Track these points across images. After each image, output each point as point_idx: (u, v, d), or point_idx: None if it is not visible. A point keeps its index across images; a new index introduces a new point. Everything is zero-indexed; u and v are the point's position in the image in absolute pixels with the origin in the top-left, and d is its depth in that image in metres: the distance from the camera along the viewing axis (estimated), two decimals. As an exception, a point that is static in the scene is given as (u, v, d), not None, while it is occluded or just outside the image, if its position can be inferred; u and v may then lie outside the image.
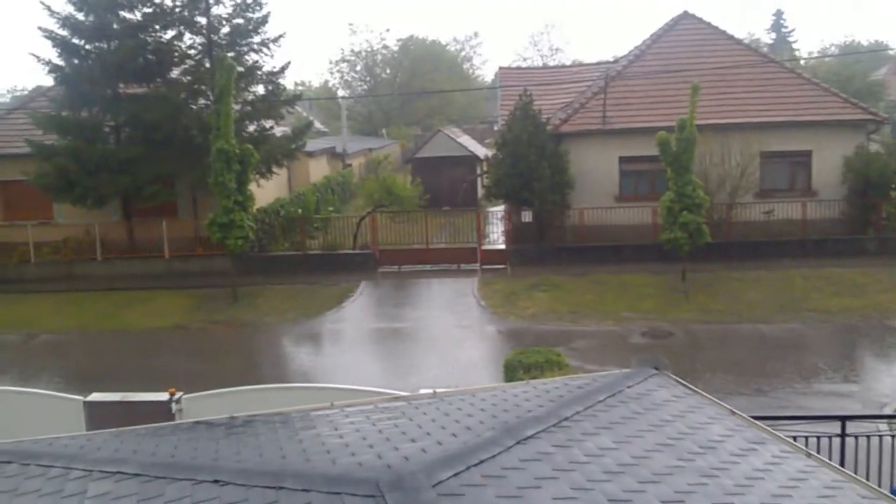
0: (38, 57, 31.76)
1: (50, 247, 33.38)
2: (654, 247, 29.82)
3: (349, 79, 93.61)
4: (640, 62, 36.55)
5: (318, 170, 50.94)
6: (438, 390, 7.95)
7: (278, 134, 35.43)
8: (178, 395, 12.65)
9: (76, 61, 32.31)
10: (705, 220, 27.83)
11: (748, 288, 27.39)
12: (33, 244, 33.10)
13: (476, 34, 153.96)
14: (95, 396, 13.10)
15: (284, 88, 36.09)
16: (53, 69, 31.92)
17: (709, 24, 38.36)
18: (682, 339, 23.24)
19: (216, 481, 5.05)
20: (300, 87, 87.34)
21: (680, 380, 7.87)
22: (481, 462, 4.99)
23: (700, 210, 27.31)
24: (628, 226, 31.97)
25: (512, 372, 16.10)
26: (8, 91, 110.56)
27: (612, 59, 48.14)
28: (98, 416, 12.52)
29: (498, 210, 40.53)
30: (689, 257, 27.90)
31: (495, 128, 52.62)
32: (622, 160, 33.35)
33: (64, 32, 32.11)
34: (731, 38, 37.77)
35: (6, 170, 34.11)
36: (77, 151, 30.71)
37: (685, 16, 38.86)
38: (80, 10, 32.00)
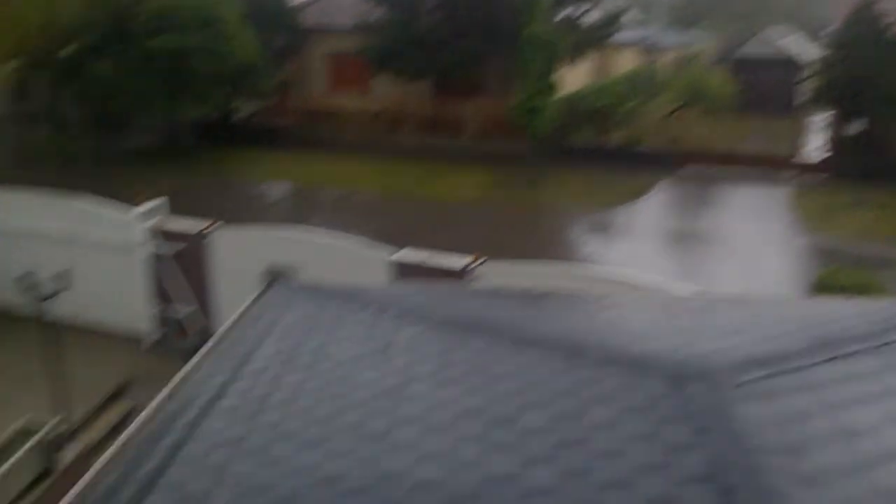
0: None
1: (366, 116, 36.18)
2: None
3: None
4: None
5: (626, 61, 49.43)
6: (742, 293, 7.53)
7: (589, 21, 34.66)
8: (479, 261, 13.14)
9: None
10: None
11: None
12: (352, 113, 36.14)
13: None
14: (401, 254, 13.99)
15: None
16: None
17: None
18: None
19: (514, 343, 5.18)
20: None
21: None
22: (792, 371, 4.63)
23: None
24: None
25: (822, 293, 14.94)
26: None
27: None
28: (401, 273, 13.45)
29: (819, 119, 37.09)
30: None
31: (823, 32, 47.58)
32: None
33: None
34: None
35: (335, 43, 37.18)
36: (401, 26, 32.33)
37: None
38: None
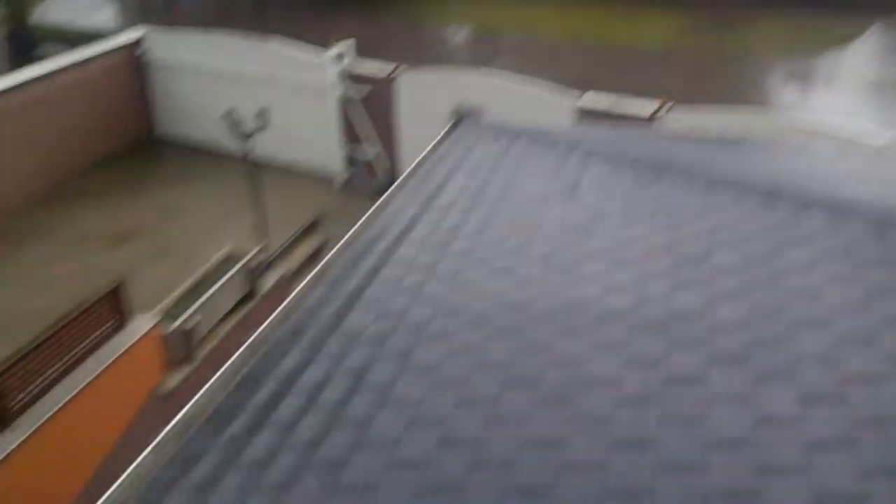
0: None
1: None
2: None
3: None
4: None
5: None
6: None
7: None
8: (667, 106, 12.71)
9: None
10: None
11: None
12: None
13: None
14: (586, 99, 13.73)
15: None
16: None
17: None
18: None
19: (706, 184, 5.07)
20: None
21: None
22: None
23: None
24: None
25: None
26: None
27: None
28: (587, 118, 13.24)
29: None
30: None
31: None
32: None
33: None
34: None
35: None
36: None
37: None
38: None
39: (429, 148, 7.50)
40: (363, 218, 6.45)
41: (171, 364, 10.21)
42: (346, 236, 6.19)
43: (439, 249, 5.20)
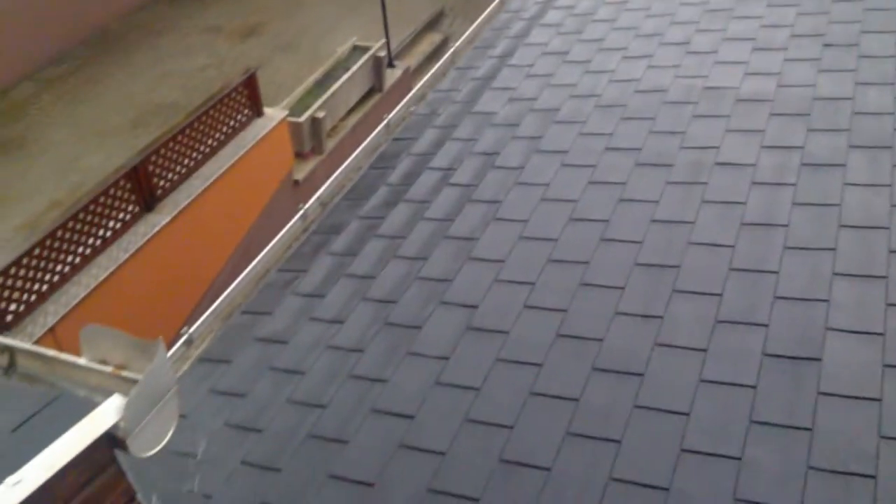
0: None
1: None
2: None
3: None
4: None
5: None
6: None
7: None
8: None
9: None
10: None
11: None
12: None
13: None
14: None
15: None
16: None
17: None
18: None
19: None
20: None
21: None
22: None
23: None
24: None
25: None
26: None
27: None
28: None
29: None
30: None
31: None
32: None
33: None
34: None
35: None
36: None
37: None
38: None
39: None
40: (491, 6, 6.33)
41: (301, 155, 10.60)
42: (475, 24, 6.13)
43: (571, 36, 5.11)
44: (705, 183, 3.56)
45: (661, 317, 2.97)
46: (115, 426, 1.60)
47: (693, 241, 3.28)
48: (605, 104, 4.25)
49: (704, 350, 2.80)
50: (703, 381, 2.70)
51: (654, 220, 3.43)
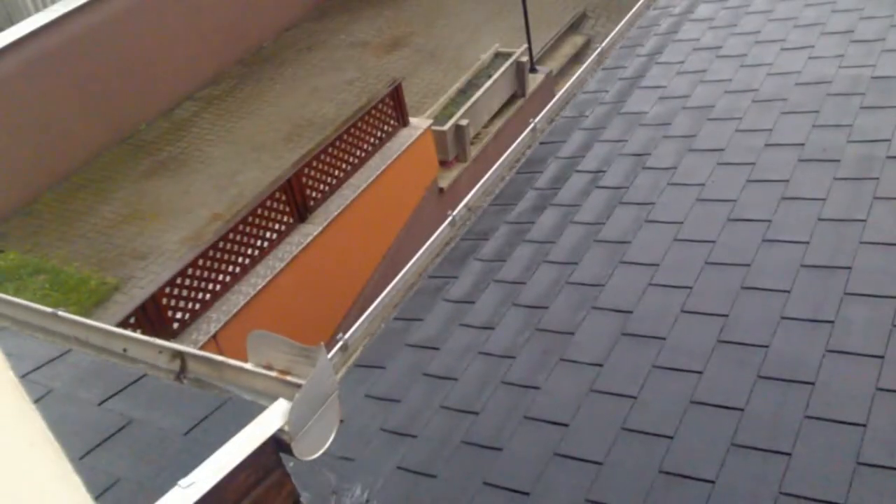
0: None
1: None
2: None
3: None
4: None
5: None
6: None
7: None
8: None
9: None
10: None
11: None
12: None
13: None
14: None
15: None
16: None
17: None
18: None
19: None
20: None
21: None
22: None
23: None
24: None
25: None
26: None
27: None
28: None
29: None
30: None
31: None
32: None
33: None
34: None
35: None
36: None
37: None
38: None
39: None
40: (638, 3, 6.18)
41: (445, 163, 10.72)
42: (622, 22, 5.99)
43: (723, 30, 4.91)
44: (876, 178, 3.32)
45: (831, 321, 2.78)
46: (281, 430, 1.64)
47: (865, 241, 3.07)
48: (764, 98, 4.05)
49: (881, 357, 2.61)
50: (879, 389, 2.51)
51: (822, 219, 3.23)
